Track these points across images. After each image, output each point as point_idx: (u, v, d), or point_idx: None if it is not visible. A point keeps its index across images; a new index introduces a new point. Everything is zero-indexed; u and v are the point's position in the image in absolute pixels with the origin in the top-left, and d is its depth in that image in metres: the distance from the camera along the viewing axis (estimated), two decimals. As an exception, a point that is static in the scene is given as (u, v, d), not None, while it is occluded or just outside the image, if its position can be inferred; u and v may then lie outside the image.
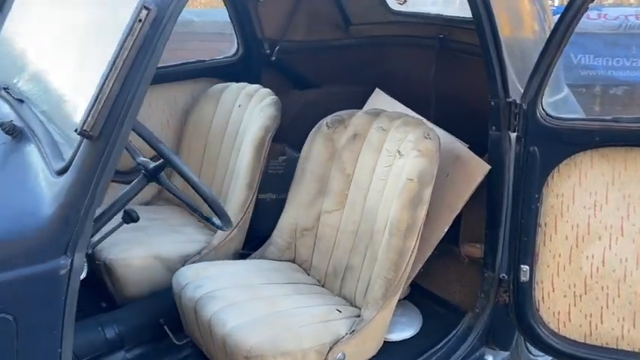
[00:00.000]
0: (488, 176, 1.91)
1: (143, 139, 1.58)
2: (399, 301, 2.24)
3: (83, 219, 1.12)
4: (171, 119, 2.80)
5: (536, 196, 1.79)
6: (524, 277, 1.90)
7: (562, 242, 1.86)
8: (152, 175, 1.69)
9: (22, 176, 1.24)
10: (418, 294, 2.32)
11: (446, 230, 2.00)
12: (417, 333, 2.12)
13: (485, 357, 2.04)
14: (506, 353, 2.08)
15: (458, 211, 1.98)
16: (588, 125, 1.68)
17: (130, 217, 1.85)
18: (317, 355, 1.71)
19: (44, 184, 1.18)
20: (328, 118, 2.22)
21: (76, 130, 1.13)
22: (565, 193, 1.80)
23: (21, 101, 1.54)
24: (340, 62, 3.11)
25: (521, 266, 1.89)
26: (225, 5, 2.84)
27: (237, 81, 2.72)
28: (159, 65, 2.93)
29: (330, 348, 1.74)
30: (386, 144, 2.02)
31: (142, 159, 1.70)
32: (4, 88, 1.64)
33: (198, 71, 2.85)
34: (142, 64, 1.13)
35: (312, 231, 2.22)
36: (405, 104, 2.48)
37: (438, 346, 2.01)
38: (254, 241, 2.45)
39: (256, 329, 1.68)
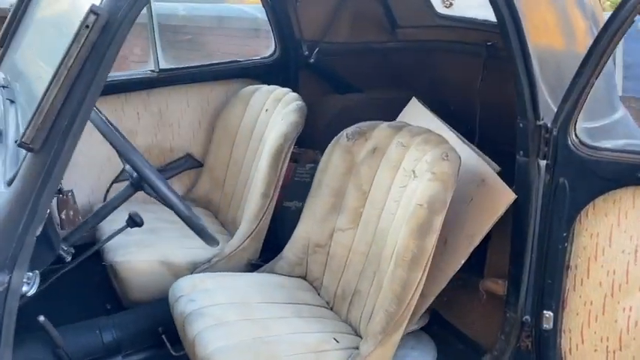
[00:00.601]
0: (514, 206, 1.69)
1: (117, 152, 1.49)
2: (414, 331, 2.08)
3: (23, 234, 1.05)
4: (203, 119, 2.76)
5: (565, 234, 1.56)
6: (547, 325, 1.67)
7: (595, 289, 1.61)
8: (137, 185, 1.61)
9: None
10: (437, 325, 2.13)
11: (462, 262, 1.80)
12: (429, 369, 1.94)
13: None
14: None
15: (477, 243, 1.77)
16: (630, 158, 1.43)
17: (134, 222, 1.80)
18: (301, 388, 1.58)
19: (-5, 194, 1.12)
20: (349, 129, 2.06)
21: (16, 142, 1.06)
22: (601, 233, 1.55)
23: (12, 102, 1.51)
24: (384, 66, 2.94)
25: (544, 312, 1.66)
26: (263, 5, 2.74)
27: (274, 83, 2.63)
28: (197, 64, 2.90)
29: (319, 382, 1.61)
30: (404, 162, 1.84)
31: (128, 167, 1.62)
32: (3, 86, 1.63)
33: (234, 71, 2.79)
34: (89, 74, 1.04)
35: (325, 248, 2.08)
36: (448, 114, 2.29)
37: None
38: (273, 250, 2.35)
39: (238, 355, 1.58)
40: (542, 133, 1.55)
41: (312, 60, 2.84)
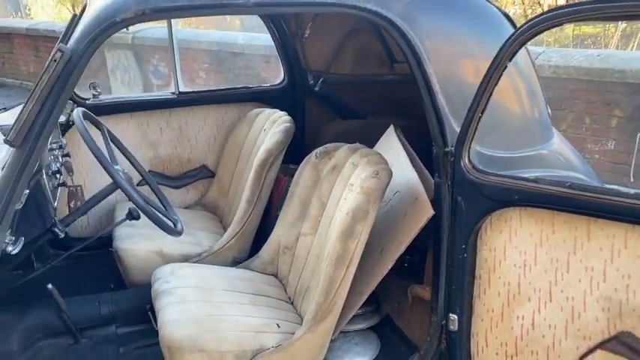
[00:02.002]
0: (433, 221, 1.94)
1: (99, 161, 1.84)
2: (362, 330, 2.34)
3: (4, 208, 1.46)
4: (217, 136, 3.16)
5: (463, 246, 1.79)
6: (452, 326, 1.89)
7: (495, 298, 1.82)
8: (114, 186, 1.98)
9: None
10: (388, 328, 2.38)
11: (391, 265, 2.05)
12: (367, 363, 2.19)
13: (422, 403, 2.04)
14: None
15: (402, 249, 2.02)
16: (506, 183, 1.65)
17: (132, 216, 2.21)
18: (235, 359, 1.89)
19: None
20: (319, 149, 2.38)
21: (4, 140, 1.48)
22: (497, 248, 1.77)
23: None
24: (385, 96, 3.22)
25: (450, 315, 1.89)
26: (272, 38, 3.13)
27: (281, 108, 2.99)
28: (211, 88, 3.35)
29: (253, 357, 1.92)
30: (351, 178, 2.13)
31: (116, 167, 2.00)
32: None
33: (246, 96, 3.18)
34: (56, 93, 1.44)
35: (292, 250, 2.39)
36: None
37: (375, 380, 2.06)
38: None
39: (186, 326, 1.92)
40: (449, 158, 1.80)
41: (317, 88, 3.18)
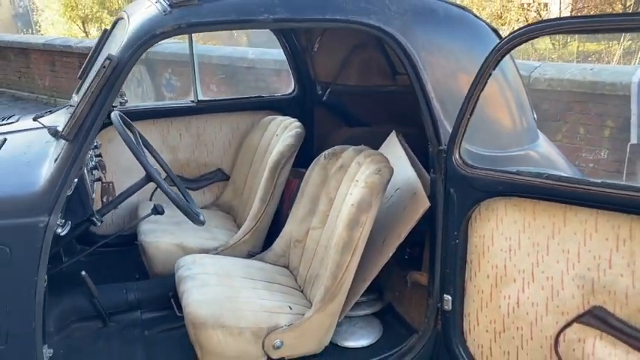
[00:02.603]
0: (429, 212, 2.17)
1: (135, 156, 2.09)
2: (367, 316, 2.56)
3: (58, 193, 1.70)
4: (233, 141, 3.41)
5: (455, 233, 2.02)
6: (447, 306, 2.11)
7: (484, 280, 2.04)
8: (147, 179, 2.22)
9: (42, 163, 1.87)
10: (390, 315, 2.59)
11: (391, 254, 2.27)
12: (370, 345, 2.40)
13: (422, 377, 2.25)
14: (446, 379, 2.26)
15: (402, 239, 2.24)
16: (492, 175, 1.88)
17: (157, 211, 2.45)
18: (252, 335, 2.11)
19: (44, 170, 1.79)
20: (327, 151, 2.62)
21: (60, 135, 1.72)
22: (486, 234, 2.00)
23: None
24: (389, 105, 3.46)
25: (444, 296, 2.11)
26: (284, 52, 3.39)
27: (292, 115, 3.24)
28: (227, 97, 3.65)
29: (268, 334, 2.14)
30: (357, 176, 2.37)
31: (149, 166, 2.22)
32: (71, 105, 2.35)
33: (259, 104, 3.44)
34: (104, 94, 1.69)
35: (302, 243, 2.62)
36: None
37: (378, 358, 2.27)
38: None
39: (209, 306, 2.15)
40: (442, 155, 2.03)
41: (325, 98, 3.43)
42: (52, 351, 1.90)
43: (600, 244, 1.77)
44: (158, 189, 3.29)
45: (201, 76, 7.26)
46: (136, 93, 8.26)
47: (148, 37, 1.72)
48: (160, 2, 1.80)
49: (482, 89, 1.84)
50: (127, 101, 3.07)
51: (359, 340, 2.42)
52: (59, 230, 1.80)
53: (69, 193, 1.75)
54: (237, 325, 2.10)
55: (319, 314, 2.19)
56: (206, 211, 3.32)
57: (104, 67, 1.69)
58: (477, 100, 1.86)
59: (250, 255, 2.84)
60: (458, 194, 1.97)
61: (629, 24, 1.71)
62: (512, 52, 1.90)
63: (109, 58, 1.69)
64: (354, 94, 3.49)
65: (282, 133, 3.02)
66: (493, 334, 2.07)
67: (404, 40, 1.96)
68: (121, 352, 2.37)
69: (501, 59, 1.80)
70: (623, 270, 1.75)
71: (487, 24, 2.22)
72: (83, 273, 2.42)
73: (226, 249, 2.81)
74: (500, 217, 1.95)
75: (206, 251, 2.78)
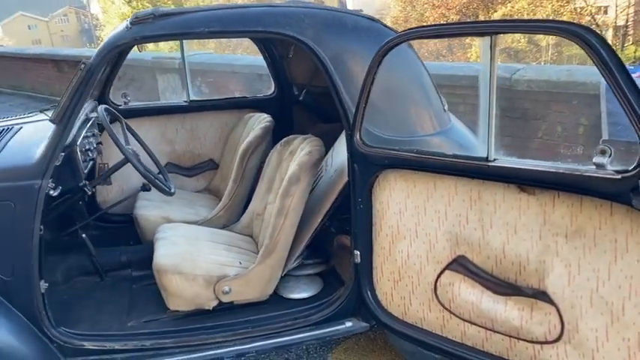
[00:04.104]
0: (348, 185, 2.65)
1: (112, 139, 2.69)
2: (311, 275, 3.07)
3: (48, 162, 2.32)
4: (222, 136, 3.99)
5: (360, 199, 2.50)
6: (356, 260, 2.60)
7: (385, 238, 2.52)
8: (124, 160, 2.81)
9: (42, 143, 2.49)
10: (333, 276, 3.09)
11: (319, 220, 2.78)
12: (309, 297, 2.91)
13: (345, 323, 2.72)
14: (366, 324, 2.72)
15: (328, 206, 2.75)
16: (380, 152, 2.37)
17: (144, 188, 3.06)
18: (204, 281, 2.67)
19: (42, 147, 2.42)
20: (282, 140, 3.16)
21: (50, 120, 2.34)
22: (383, 201, 2.48)
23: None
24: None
25: (355, 251, 2.59)
26: (264, 57, 3.95)
27: (272, 113, 3.79)
28: (217, 97, 4.28)
29: (218, 281, 2.69)
30: (298, 158, 2.89)
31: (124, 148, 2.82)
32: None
33: (245, 103, 4.01)
34: (81, 90, 2.30)
35: (262, 216, 3.16)
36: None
37: (311, 306, 2.77)
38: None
39: (171, 257, 2.72)
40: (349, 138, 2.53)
41: (301, 98, 3.97)
42: (47, 285, 2.50)
43: (460, 205, 2.23)
44: (161, 172, 3.95)
45: (226, 83, 7.96)
46: (171, 99, 9.05)
47: (111, 47, 2.33)
48: (127, 21, 2.40)
49: (372, 83, 2.33)
50: (129, 101, 3.71)
51: (300, 293, 2.93)
52: (51, 192, 2.41)
53: (57, 163, 2.36)
54: (192, 272, 2.66)
55: (260, 266, 2.73)
56: (198, 194, 3.92)
57: (80, 69, 2.29)
58: (370, 91, 2.35)
59: (225, 227, 3.40)
60: (359, 168, 2.46)
61: (476, 29, 2.18)
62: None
63: (83, 62, 2.30)
64: (327, 95, 3.99)
65: (256, 126, 3.58)
66: (393, 283, 2.54)
67: (316, 47, 2.48)
68: (112, 299, 2.96)
69: (382, 59, 2.29)
70: (475, 224, 2.20)
71: (393, 30, 2.70)
72: (84, 235, 3.04)
73: (205, 222, 3.38)
74: (392, 186, 2.43)
75: (187, 224, 3.36)
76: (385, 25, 2.69)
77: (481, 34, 2.12)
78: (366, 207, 2.50)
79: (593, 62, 1.72)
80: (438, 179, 2.27)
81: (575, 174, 1.83)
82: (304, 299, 2.89)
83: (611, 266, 1.86)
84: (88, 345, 2.53)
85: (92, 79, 2.32)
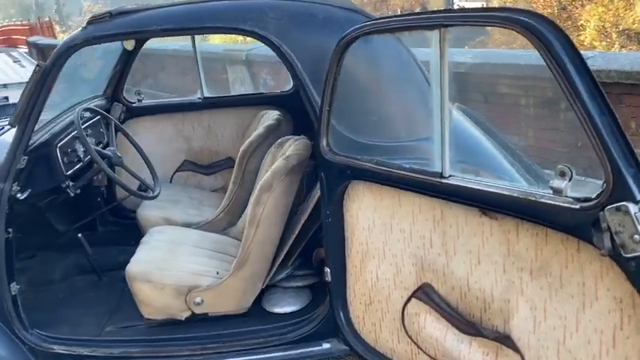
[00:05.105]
0: (322, 195, 2.40)
1: (81, 143, 2.63)
2: (300, 287, 2.86)
3: (9, 166, 2.29)
4: (238, 132, 3.85)
5: (327, 212, 2.25)
6: (327, 278, 2.35)
7: (356, 255, 2.25)
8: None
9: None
10: (322, 288, 2.85)
11: (297, 231, 2.55)
12: (293, 312, 2.69)
13: (323, 344, 2.48)
14: (346, 347, 2.47)
15: (305, 217, 2.51)
16: (343, 161, 2.09)
17: (141, 188, 3.01)
18: (174, 291, 2.54)
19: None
20: (277, 141, 2.96)
21: (8, 124, 2.31)
22: (353, 214, 2.20)
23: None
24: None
25: (325, 268, 2.35)
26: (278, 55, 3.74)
27: (290, 110, 3.61)
28: (233, 94, 4.19)
29: (189, 292, 2.56)
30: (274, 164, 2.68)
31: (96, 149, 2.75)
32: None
33: (262, 100, 3.85)
34: (37, 91, 2.24)
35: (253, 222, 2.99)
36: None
37: (288, 323, 2.57)
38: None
39: (143, 264, 2.63)
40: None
41: (320, 93, 3.73)
42: (18, 287, 2.50)
43: (423, 225, 1.92)
44: (177, 172, 3.90)
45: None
46: (240, 91, 9.10)
47: (65, 48, 2.24)
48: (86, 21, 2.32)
49: (334, 84, 2.07)
50: (143, 98, 3.67)
51: (284, 307, 2.73)
52: (18, 195, 2.39)
53: (20, 166, 2.33)
54: (161, 282, 2.55)
55: (232, 279, 2.56)
56: (214, 193, 3.81)
57: (35, 72, 2.24)
58: (332, 93, 2.09)
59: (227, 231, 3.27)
60: (326, 177, 2.20)
61: (424, 22, 1.84)
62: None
63: (38, 65, 2.24)
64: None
65: (261, 125, 3.40)
66: (364, 306, 2.27)
67: (278, 42, 2.24)
68: (101, 301, 2.94)
69: (340, 57, 2.01)
70: (439, 249, 1.89)
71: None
72: (79, 235, 3.04)
73: (206, 224, 3.27)
74: (361, 199, 2.15)
75: (188, 225, 3.26)
76: (368, 16, 2.39)
77: (429, 28, 1.78)
78: (335, 220, 2.25)
79: (544, 61, 1.35)
80: (403, 194, 1.97)
81: (529, 199, 1.48)
82: (286, 314, 2.69)
83: (579, 315, 1.49)
84: (58, 349, 2.50)
85: (48, 81, 2.25)
